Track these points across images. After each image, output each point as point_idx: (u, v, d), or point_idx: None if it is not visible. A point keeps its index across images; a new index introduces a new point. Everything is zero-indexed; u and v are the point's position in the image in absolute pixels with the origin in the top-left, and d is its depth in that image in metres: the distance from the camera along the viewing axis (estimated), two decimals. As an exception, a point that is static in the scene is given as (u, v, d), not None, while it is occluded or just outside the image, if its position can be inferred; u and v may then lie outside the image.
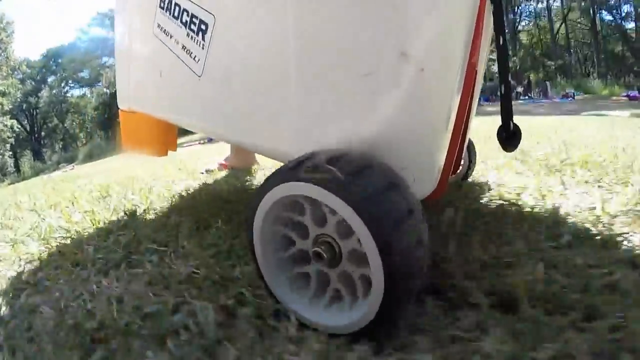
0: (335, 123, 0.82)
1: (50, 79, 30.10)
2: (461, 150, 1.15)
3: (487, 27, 0.91)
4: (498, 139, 0.95)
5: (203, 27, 1.06)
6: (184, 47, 1.14)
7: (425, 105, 0.78)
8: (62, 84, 29.97)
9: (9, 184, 13.98)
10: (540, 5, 26.05)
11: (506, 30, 0.92)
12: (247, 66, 0.98)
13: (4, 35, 24.39)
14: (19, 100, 27.14)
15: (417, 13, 0.73)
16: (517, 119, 0.95)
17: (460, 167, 1.62)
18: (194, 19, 1.09)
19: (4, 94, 24.16)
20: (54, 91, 29.50)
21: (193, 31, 1.10)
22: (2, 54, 24.60)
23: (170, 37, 1.19)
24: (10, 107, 25.44)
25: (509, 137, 0.93)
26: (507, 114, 0.92)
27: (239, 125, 1.04)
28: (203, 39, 1.07)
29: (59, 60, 29.61)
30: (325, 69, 0.82)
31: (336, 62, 0.81)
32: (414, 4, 0.73)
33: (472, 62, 0.84)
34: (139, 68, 1.43)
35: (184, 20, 1.13)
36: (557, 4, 24.91)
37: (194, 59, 1.10)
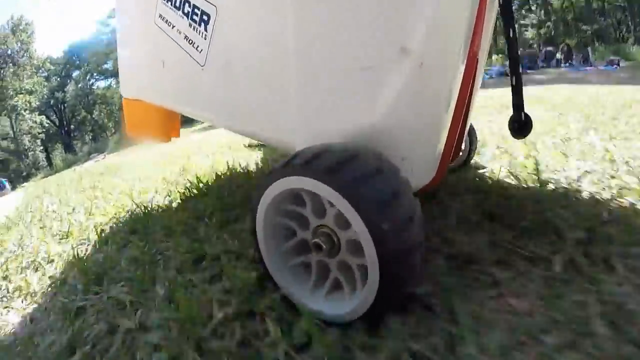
0: (335, 114, 0.83)
1: (74, 74, 30.68)
2: (461, 137, 1.15)
3: (489, 15, 0.90)
4: (510, 128, 0.99)
5: (205, 18, 1.06)
6: (186, 37, 1.14)
7: (425, 97, 0.78)
8: (87, 77, 30.50)
9: (42, 178, 14.34)
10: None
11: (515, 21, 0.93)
12: (249, 57, 0.99)
13: (24, 36, 25.01)
14: (45, 96, 27.86)
15: (417, 6, 0.72)
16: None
17: (461, 153, 1.59)
18: (195, 10, 1.09)
19: (30, 92, 24.90)
20: (80, 85, 30.08)
21: (195, 22, 1.10)
22: (25, 54, 25.22)
23: (172, 27, 1.19)
24: (38, 104, 26.18)
25: (521, 127, 0.97)
26: (519, 106, 0.95)
27: (241, 114, 1.05)
28: (205, 29, 1.07)
29: (82, 55, 30.08)
30: (326, 61, 0.82)
31: (337, 55, 0.80)
32: (414, 1, 0.72)
33: (473, 50, 0.83)
34: (141, 57, 1.44)
35: (185, 11, 1.12)
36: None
37: (196, 49, 1.11)
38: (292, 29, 0.85)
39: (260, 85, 0.97)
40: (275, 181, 0.75)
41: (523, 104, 0.95)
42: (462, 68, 0.82)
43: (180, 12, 1.15)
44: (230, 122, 1.13)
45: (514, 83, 0.93)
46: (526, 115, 0.96)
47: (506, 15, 0.86)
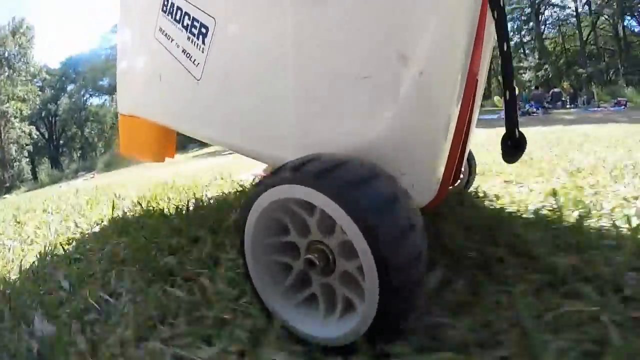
0: (334, 129, 0.81)
1: (69, 87, 30.55)
2: (461, 160, 1.12)
3: (488, 36, 0.89)
4: (502, 148, 0.91)
5: (204, 30, 1.05)
6: (184, 51, 1.12)
7: (425, 110, 0.77)
8: (82, 92, 30.37)
9: (26, 191, 13.94)
10: (564, 12, 25.61)
11: (509, 36, 0.90)
12: (246, 70, 0.97)
13: (23, 40, 24.81)
14: (38, 107, 27.54)
15: (416, 18, 0.73)
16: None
17: (461, 178, 1.60)
18: (195, 23, 1.08)
19: (23, 100, 24.54)
20: (73, 99, 29.91)
21: (194, 34, 1.08)
22: (22, 59, 24.98)
23: (171, 40, 1.17)
24: (29, 112, 25.78)
25: (515, 146, 0.90)
26: (512, 123, 0.88)
27: (237, 131, 1.03)
28: (203, 42, 1.05)
29: (79, 69, 30.01)
30: (324, 73, 0.81)
31: (335, 65, 0.79)
32: (413, 9, 0.72)
33: (473, 71, 0.82)
34: (139, 72, 1.42)
35: (185, 24, 1.11)
36: (584, 10, 24.33)
37: (193, 62, 1.09)
38: (291, 41, 0.84)
39: (256, 99, 0.95)
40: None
41: (517, 121, 0.88)
42: (463, 85, 0.81)
43: (179, 25, 1.13)
44: (225, 138, 1.09)
45: (507, 98, 0.87)
46: (520, 133, 0.89)
47: (500, 28, 0.84)
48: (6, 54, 24.16)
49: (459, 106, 0.83)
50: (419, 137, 0.78)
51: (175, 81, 1.17)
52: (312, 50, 0.82)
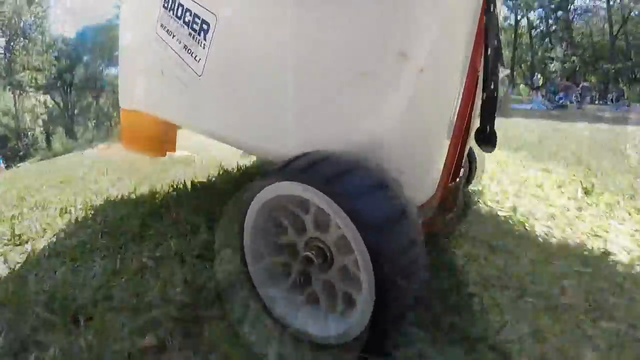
0: (333, 124, 0.81)
1: (85, 57, 30.34)
2: (462, 156, 1.12)
3: None
4: (475, 138, 0.95)
5: (205, 26, 1.05)
6: (185, 47, 1.12)
7: (426, 107, 0.76)
8: (98, 62, 30.17)
9: (40, 160, 13.93)
10: (594, 4, 24.58)
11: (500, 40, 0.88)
12: (247, 66, 0.97)
13: (39, 10, 24.53)
14: (53, 76, 27.41)
15: (417, 14, 0.71)
16: None
17: (461, 174, 1.58)
18: (196, 19, 1.07)
19: (38, 70, 24.42)
20: (90, 69, 29.75)
21: (195, 31, 1.08)
22: (37, 29, 24.78)
23: (173, 36, 1.16)
24: (45, 82, 25.68)
25: (486, 139, 0.93)
26: (486, 121, 0.91)
27: (238, 126, 1.03)
28: (204, 38, 1.05)
29: (97, 38, 29.75)
30: (323, 70, 0.80)
31: (335, 62, 0.79)
32: (414, 5, 0.71)
33: (475, 66, 0.81)
34: (141, 67, 1.42)
35: (186, 20, 1.10)
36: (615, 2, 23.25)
37: (194, 58, 1.09)
38: (291, 37, 0.84)
39: (256, 95, 0.95)
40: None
41: (493, 121, 0.92)
42: (463, 83, 0.80)
43: (181, 22, 1.12)
44: (226, 133, 1.10)
45: (484, 99, 0.90)
46: (492, 131, 0.93)
47: (489, 32, 0.83)
48: (22, 24, 23.94)
49: (460, 103, 0.82)
50: (418, 136, 0.79)
51: (177, 76, 1.17)
52: (313, 47, 0.81)
